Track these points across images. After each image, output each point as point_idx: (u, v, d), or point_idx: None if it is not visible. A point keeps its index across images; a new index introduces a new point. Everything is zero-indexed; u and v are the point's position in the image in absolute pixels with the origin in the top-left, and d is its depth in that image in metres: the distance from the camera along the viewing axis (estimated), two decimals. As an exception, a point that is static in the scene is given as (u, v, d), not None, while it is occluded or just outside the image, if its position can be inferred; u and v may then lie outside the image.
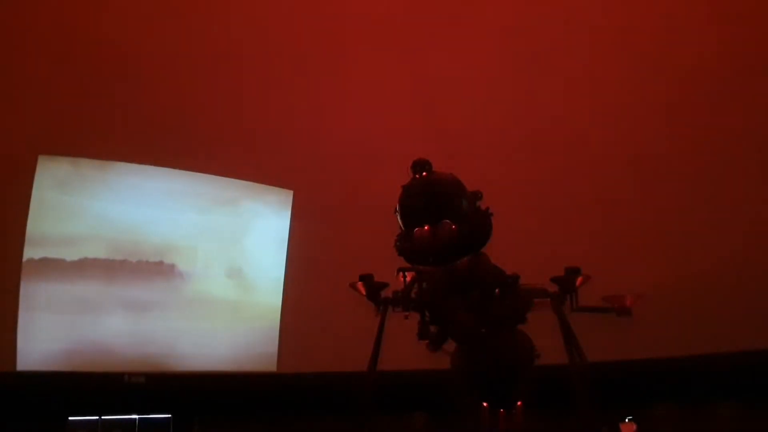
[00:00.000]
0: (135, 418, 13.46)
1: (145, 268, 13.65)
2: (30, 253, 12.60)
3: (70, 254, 13.04)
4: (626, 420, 12.68)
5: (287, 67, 13.67)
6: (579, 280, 5.62)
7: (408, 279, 5.36)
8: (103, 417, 13.30)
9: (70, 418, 12.96)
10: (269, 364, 14.14)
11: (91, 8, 12.60)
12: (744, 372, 12.77)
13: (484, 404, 6.56)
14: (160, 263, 13.81)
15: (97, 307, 13.11)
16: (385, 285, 5.76)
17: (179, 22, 13.06)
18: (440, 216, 4.18)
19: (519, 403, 6.65)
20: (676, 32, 12.93)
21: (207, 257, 14.27)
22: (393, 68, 13.85)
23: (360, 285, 5.79)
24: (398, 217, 4.37)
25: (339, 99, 13.93)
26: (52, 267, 12.82)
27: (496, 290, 5.20)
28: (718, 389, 13.42)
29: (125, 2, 12.81)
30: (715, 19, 12.63)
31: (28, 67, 12.34)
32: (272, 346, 14.22)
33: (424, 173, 4.23)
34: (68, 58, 12.54)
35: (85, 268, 13.10)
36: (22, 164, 12.50)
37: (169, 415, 13.57)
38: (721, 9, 12.60)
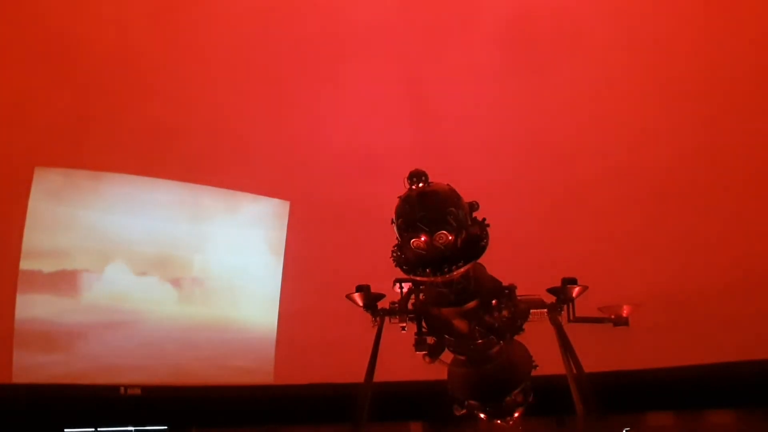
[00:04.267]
0: (131, 430, 13.43)
1: (141, 280, 13.62)
2: (26, 264, 12.57)
3: (66, 265, 13.02)
4: (624, 431, 12.65)
5: (283, 77, 13.69)
6: (576, 290, 5.59)
7: (405, 290, 5.35)
8: (99, 429, 13.26)
9: (65, 430, 12.92)
10: (265, 376, 14.09)
11: (86, 20, 12.61)
12: (742, 382, 12.78)
13: (482, 415, 6.54)
14: (156, 274, 13.79)
15: (93, 318, 13.07)
16: (381, 296, 5.73)
17: (174, 34, 13.08)
18: (437, 227, 4.16)
19: (517, 414, 6.63)
20: (676, 43, 12.97)
21: (202, 268, 14.24)
22: (390, 78, 13.88)
23: (356, 296, 5.75)
24: (395, 228, 4.36)
25: (336, 109, 13.95)
26: (47, 278, 12.79)
27: (493, 301, 5.18)
28: (715, 399, 13.42)
29: (120, 14, 12.83)
30: (715, 31, 12.68)
31: (23, 78, 12.35)
32: (268, 357, 14.18)
33: (421, 184, 4.21)
34: (64, 69, 12.55)
35: (80, 279, 13.07)
36: (18, 176, 12.50)
37: (165, 427, 13.54)
38: (724, 19, 12.65)
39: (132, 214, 13.55)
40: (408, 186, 4.25)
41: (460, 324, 5.19)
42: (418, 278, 4.51)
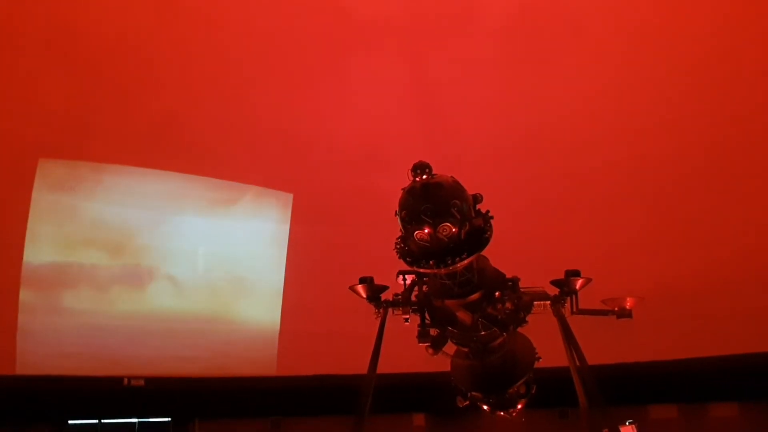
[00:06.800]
0: (135, 422, 13.48)
1: (144, 271, 13.64)
2: (29, 256, 12.59)
3: (69, 257, 13.03)
4: (627, 423, 12.66)
5: (287, 69, 13.65)
6: (580, 282, 5.58)
7: (408, 282, 5.34)
8: (102, 420, 13.31)
9: (69, 421, 12.96)
10: (269, 367, 14.11)
11: (91, 11, 12.58)
12: (745, 375, 12.79)
13: (485, 407, 6.54)
14: (160, 266, 13.80)
15: (96, 310, 13.09)
16: (385, 288, 5.72)
17: (178, 25, 13.04)
18: (440, 219, 4.15)
19: (519, 405, 6.63)
20: (678, 36, 12.91)
21: (206, 260, 14.25)
22: (394, 71, 13.85)
23: (360, 287, 5.75)
24: (399, 220, 4.35)
25: (339, 101, 13.92)
26: (51, 270, 12.81)
27: (497, 293, 5.16)
28: (719, 392, 13.43)
29: (125, 6, 12.79)
30: (717, 21, 12.62)
31: (27, 70, 12.35)
32: (272, 348, 14.20)
33: (425, 176, 4.19)
34: (68, 60, 12.54)
35: (84, 271, 13.09)
36: (22, 168, 12.50)
37: (169, 419, 13.58)
38: (728, 11, 12.60)
39: (135, 206, 13.55)
40: (412, 178, 4.23)
41: (464, 316, 5.18)
42: (421, 270, 4.50)
